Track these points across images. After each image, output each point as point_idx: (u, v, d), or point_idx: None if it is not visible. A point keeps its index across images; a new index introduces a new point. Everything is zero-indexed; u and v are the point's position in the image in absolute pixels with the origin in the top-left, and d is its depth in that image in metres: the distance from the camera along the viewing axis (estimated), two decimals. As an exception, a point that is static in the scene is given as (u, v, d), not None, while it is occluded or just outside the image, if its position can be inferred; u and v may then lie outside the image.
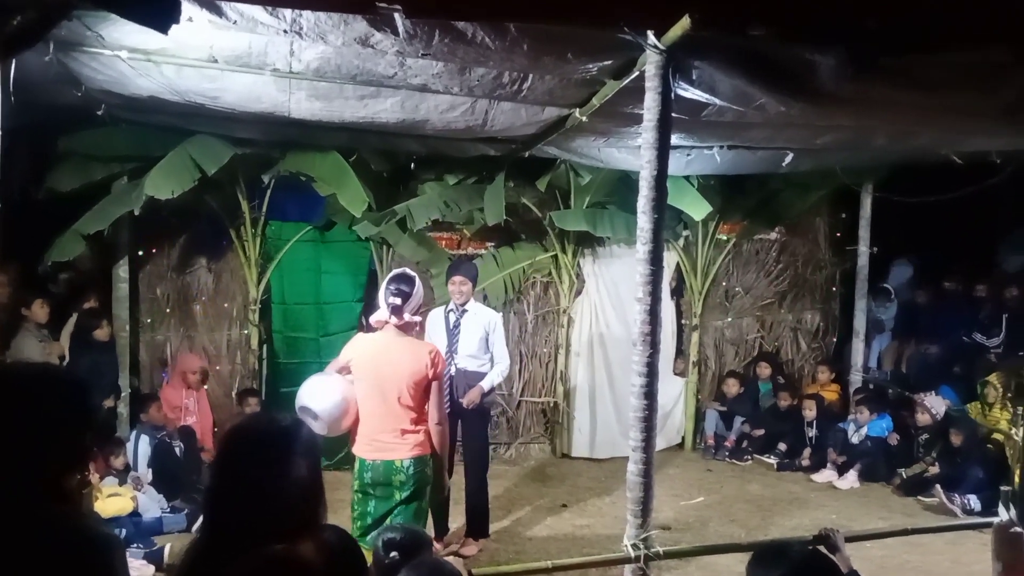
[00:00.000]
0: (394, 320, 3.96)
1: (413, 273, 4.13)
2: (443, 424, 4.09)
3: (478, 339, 5.49)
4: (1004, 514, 3.88)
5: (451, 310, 5.57)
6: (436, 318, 5.61)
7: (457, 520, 5.60)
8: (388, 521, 3.94)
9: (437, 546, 5.40)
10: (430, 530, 5.04)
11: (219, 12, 3.20)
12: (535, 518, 6.16)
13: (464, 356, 5.47)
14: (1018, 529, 3.69)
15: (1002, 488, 4.08)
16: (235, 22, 3.30)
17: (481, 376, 5.48)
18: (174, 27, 2.89)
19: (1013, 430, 6.16)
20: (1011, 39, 3.35)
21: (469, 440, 5.61)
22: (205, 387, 6.78)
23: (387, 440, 3.94)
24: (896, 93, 4.05)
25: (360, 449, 4.01)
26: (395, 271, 4.16)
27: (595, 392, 7.65)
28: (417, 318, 4.06)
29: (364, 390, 4.00)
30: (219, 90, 4.45)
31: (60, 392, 1.76)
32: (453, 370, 5.41)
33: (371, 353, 4.04)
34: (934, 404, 7.31)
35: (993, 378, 7.19)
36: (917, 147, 6.15)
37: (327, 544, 1.90)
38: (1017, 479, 4.24)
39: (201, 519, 1.91)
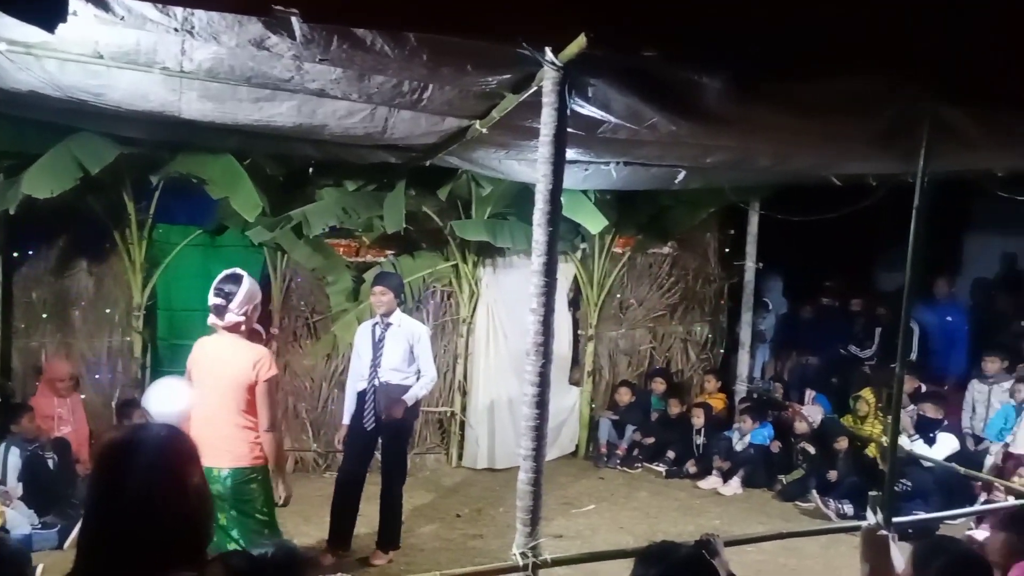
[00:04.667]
0: (218, 321, 3.98)
1: (242, 272, 4.10)
2: (274, 431, 4.05)
3: (402, 352, 5.47)
4: (872, 518, 4.11)
5: (376, 323, 5.53)
6: (364, 332, 5.59)
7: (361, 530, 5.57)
8: (228, 535, 3.86)
9: (329, 558, 5.33)
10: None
11: (106, 7, 3.07)
12: (427, 529, 6.14)
13: (387, 369, 5.44)
14: (884, 532, 3.91)
15: (870, 493, 4.33)
16: (122, 18, 3.18)
17: (404, 389, 5.45)
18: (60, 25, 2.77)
19: (884, 439, 6.56)
20: (884, 69, 3.58)
21: (388, 454, 5.59)
22: (82, 396, 6.47)
23: (210, 444, 3.78)
24: (776, 116, 4.26)
25: None
26: (225, 272, 4.11)
27: (493, 402, 7.70)
28: (241, 318, 4.01)
29: (196, 392, 4.03)
30: (104, 87, 4.26)
31: None
32: (376, 383, 5.40)
33: (203, 355, 4.09)
34: (811, 412, 7.68)
35: (865, 392, 7.63)
36: (799, 169, 6.47)
37: (235, 571, 1.81)
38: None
39: (77, 544, 1.74)
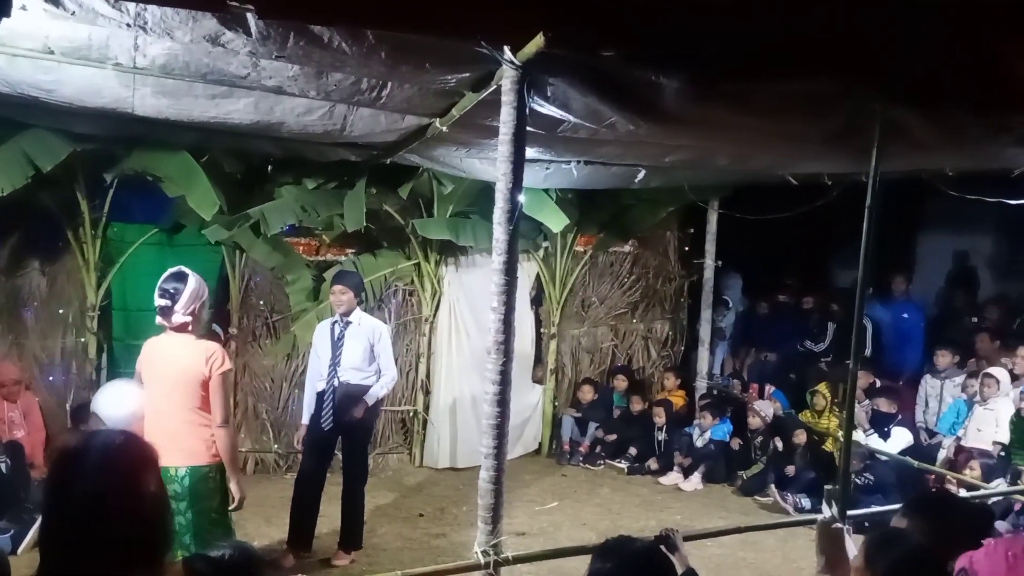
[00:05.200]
0: (165, 322, 3.97)
1: (186, 271, 4.06)
2: (227, 427, 4.02)
3: (362, 350, 5.42)
4: (827, 511, 4.19)
5: (335, 322, 5.48)
6: (322, 331, 5.54)
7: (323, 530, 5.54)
8: (180, 540, 3.82)
9: (290, 559, 5.28)
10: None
11: (56, 1, 3.01)
12: (390, 528, 6.12)
13: (347, 369, 5.40)
14: (839, 525, 3.99)
15: (826, 487, 4.40)
16: (73, 13, 3.12)
17: (365, 389, 5.41)
18: (4, 20, 2.71)
19: (840, 433, 6.67)
20: (837, 71, 3.65)
21: (348, 453, 5.57)
22: (37, 399, 6.33)
23: (163, 444, 3.79)
24: (734, 117, 4.31)
25: None
26: (169, 271, 4.08)
27: (456, 401, 7.68)
28: (188, 318, 3.98)
29: (147, 392, 4.01)
30: (56, 82, 4.17)
31: None
32: (336, 383, 5.36)
33: (154, 355, 4.06)
34: (763, 407, 7.79)
35: (821, 388, 7.76)
36: (756, 168, 6.56)
37: (195, 573, 1.79)
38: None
39: (39, 550, 1.71)
